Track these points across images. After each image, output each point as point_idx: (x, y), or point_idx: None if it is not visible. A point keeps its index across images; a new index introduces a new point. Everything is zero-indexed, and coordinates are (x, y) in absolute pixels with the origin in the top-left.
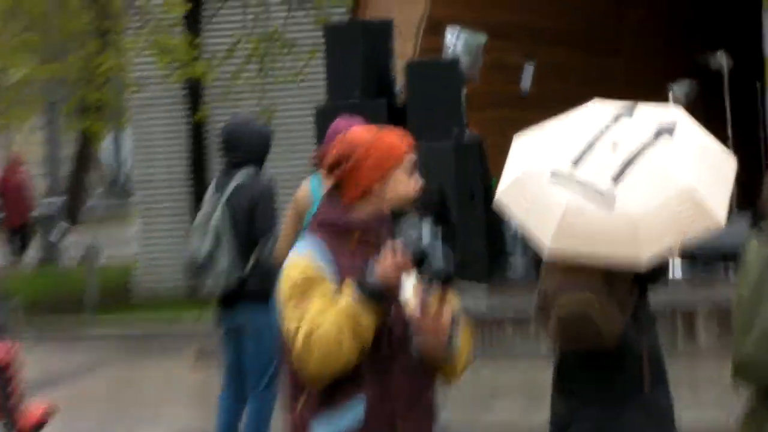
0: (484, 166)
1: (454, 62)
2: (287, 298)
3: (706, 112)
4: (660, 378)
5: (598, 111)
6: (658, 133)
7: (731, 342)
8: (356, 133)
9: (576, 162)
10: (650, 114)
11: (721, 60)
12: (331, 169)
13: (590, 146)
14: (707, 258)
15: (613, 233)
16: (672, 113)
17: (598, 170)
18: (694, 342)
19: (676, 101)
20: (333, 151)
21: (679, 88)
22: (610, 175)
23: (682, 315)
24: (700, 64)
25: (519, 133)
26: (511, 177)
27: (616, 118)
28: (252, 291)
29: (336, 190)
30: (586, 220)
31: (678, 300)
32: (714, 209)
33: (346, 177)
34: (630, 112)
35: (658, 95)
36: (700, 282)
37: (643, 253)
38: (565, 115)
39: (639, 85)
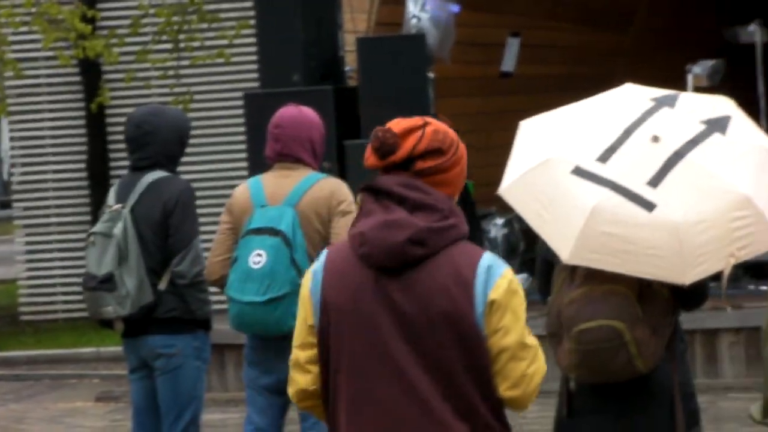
0: None
1: (418, 38)
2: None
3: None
4: (693, 421)
5: (630, 97)
6: (707, 129)
7: (762, 376)
8: (441, 123)
9: (604, 157)
10: (696, 105)
11: (755, 34)
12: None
13: (622, 139)
14: (735, 273)
15: (649, 245)
16: (722, 105)
17: (633, 168)
18: (716, 372)
19: (697, 84)
20: (424, 142)
21: (700, 70)
22: (648, 175)
23: (703, 339)
24: (728, 40)
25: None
26: (519, 170)
27: (655, 108)
28: (166, 318)
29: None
30: (614, 228)
31: (698, 321)
32: None
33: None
34: (672, 102)
35: (677, 78)
36: (724, 301)
37: (686, 270)
38: (585, 99)
39: (652, 66)
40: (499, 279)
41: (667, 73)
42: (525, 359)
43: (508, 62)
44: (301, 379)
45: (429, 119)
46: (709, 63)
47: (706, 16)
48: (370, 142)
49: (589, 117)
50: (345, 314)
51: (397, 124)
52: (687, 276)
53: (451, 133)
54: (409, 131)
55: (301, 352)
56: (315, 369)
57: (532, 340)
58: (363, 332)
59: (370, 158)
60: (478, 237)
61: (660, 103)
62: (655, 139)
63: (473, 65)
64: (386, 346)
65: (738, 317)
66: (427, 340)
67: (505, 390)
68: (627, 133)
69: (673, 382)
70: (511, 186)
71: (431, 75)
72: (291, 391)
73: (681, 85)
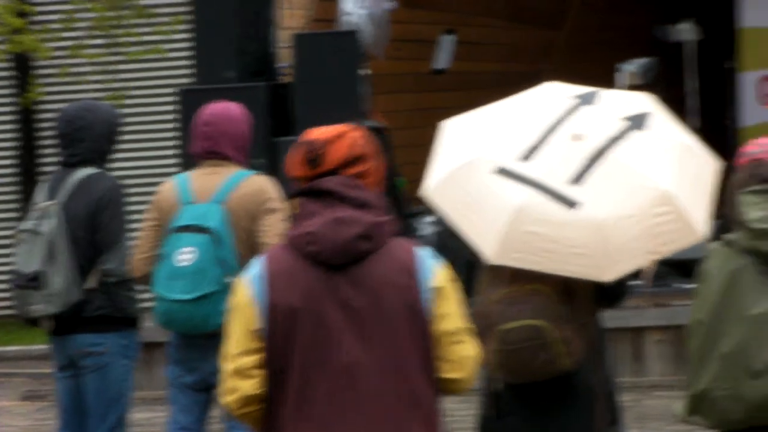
0: (390, 161)
1: (352, 35)
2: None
3: (668, 95)
4: (614, 418)
5: (552, 96)
6: (629, 126)
7: (686, 373)
8: (360, 129)
9: (527, 156)
10: (618, 102)
11: (686, 33)
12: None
13: (545, 137)
14: (659, 271)
15: (571, 244)
16: (643, 102)
17: (556, 167)
18: (642, 370)
19: (626, 83)
20: (350, 149)
21: (633, 68)
22: (570, 174)
23: (629, 338)
24: (661, 38)
25: (448, 119)
26: (443, 170)
27: (577, 106)
28: (94, 317)
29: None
30: (539, 227)
31: (625, 320)
32: (695, 219)
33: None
34: (594, 99)
35: (610, 75)
36: (649, 300)
37: (610, 267)
38: (508, 98)
39: (584, 63)
40: (437, 267)
41: (600, 71)
42: (466, 342)
43: (442, 59)
44: (245, 385)
45: (350, 126)
46: (641, 61)
47: (639, 14)
48: (294, 153)
49: (512, 116)
50: (295, 314)
51: (323, 133)
52: (610, 273)
53: (369, 137)
54: (335, 139)
55: (245, 358)
56: (259, 373)
57: (468, 324)
58: (314, 330)
59: (298, 168)
60: (409, 234)
61: (582, 100)
62: (578, 137)
63: (407, 62)
64: (337, 342)
65: (664, 315)
66: (379, 332)
67: (448, 372)
68: (549, 131)
69: (596, 380)
70: (435, 187)
71: (366, 71)
72: (232, 398)
73: (614, 83)
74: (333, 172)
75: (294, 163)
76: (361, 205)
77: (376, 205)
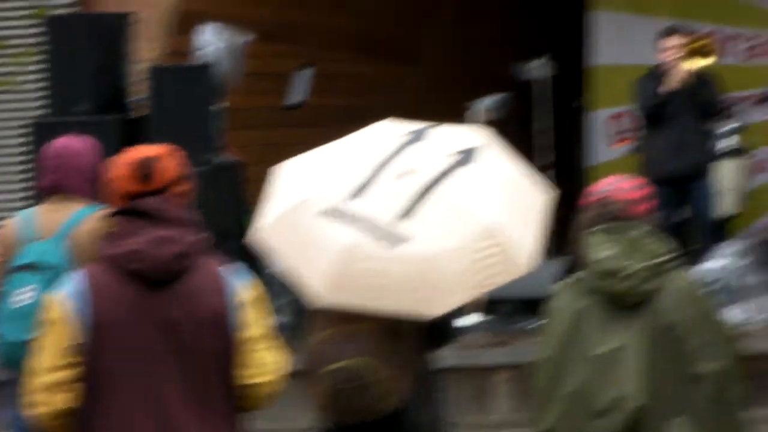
0: (244, 198)
1: (208, 68)
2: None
3: (520, 133)
4: None
5: (385, 133)
6: (458, 161)
7: (530, 412)
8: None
9: (356, 194)
10: (449, 137)
11: (539, 70)
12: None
13: (374, 175)
14: (507, 309)
15: (399, 279)
16: (475, 136)
17: (383, 204)
18: (487, 409)
19: (482, 119)
20: (178, 168)
21: (486, 104)
22: (398, 210)
23: (475, 376)
24: (514, 76)
25: (288, 159)
26: (275, 211)
27: (408, 142)
28: None
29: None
30: (367, 264)
31: (470, 358)
32: (520, 253)
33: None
34: (424, 135)
35: (464, 111)
36: (496, 338)
37: (435, 303)
38: (346, 136)
39: (440, 100)
40: (243, 283)
41: (454, 107)
42: (267, 349)
43: (298, 94)
44: (59, 399)
45: (169, 147)
46: (495, 97)
47: (493, 51)
48: (122, 168)
49: (344, 154)
50: (117, 329)
51: (152, 151)
52: (437, 308)
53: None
54: (165, 157)
55: (59, 373)
56: (74, 388)
57: (273, 336)
58: (133, 344)
59: (128, 184)
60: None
61: (415, 136)
62: (407, 173)
63: (263, 96)
64: (151, 356)
65: (510, 353)
66: (193, 345)
67: (251, 378)
68: (380, 168)
69: (425, 419)
70: (266, 229)
71: (221, 105)
72: (43, 411)
73: (467, 119)
74: (163, 188)
75: (123, 178)
76: (180, 224)
77: (193, 224)
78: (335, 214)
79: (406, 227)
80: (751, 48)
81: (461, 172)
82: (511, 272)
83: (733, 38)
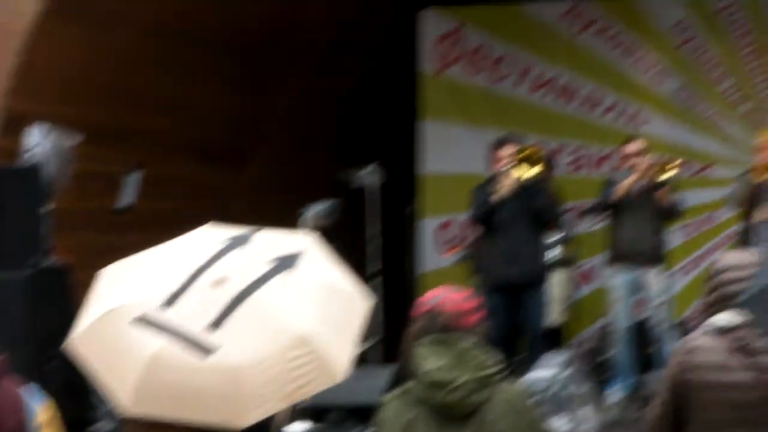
0: (69, 304)
1: (35, 170)
2: None
3: (350, 240)
4: None
5: (206, 238)
6: (277, 268)
7: None
8: None
9: (169, 302)
10: (271, 243)
11: (369, 177)
12: None
13: (189, 283)
14: (336, 417)
15: (208, 390)
16: (299, 242)
17: (195, 313)
18: None
19: (311, 225)
20: None
21: (316, 210)
22: (210, 319)
23: None
24: (344, 182)
25: (112, 264)
26: (89, 318)
27: (228, 248)
28: None
29: None
30: (175, 374)
31: None
32: (335, 362)
33: None
34: (245, 241)
35: (294, 217)
36: None
37: (246, 412)
38: (169, 241)
39: (272, 205)
40: (40, 403)
41: (284, 212)
42: None
43: (128, 197)
44: None
45: None
46: (325, 204)
47: (324, 157)
48: None
49: (163, 260)
50: None
51: None
52: (244, 419)
53: None
54: None
55: None
56: None
57: None
58: None
59: None
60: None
61: (234, 242)
62: (221, 281)
63: (91, 198)
64: None
65: None
66: None
67: None
68: (195, 275)
69: None
70: (78, 338)
71: (49, 207)
72: None
73: (297, 224)
74: None
75: None
76: None
77: None
78: (146, 322)
79: (216, 336)
80: (576, 160)
81: (278, 279)
82: (324, 381)
83: (557, 150)
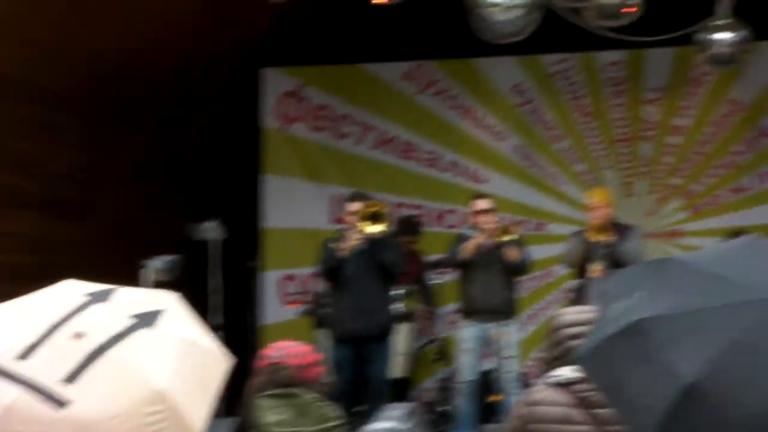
0: None
1: None
2: None
3: (193, 294)
4: None
5: (65, 293)
6: (136, 324)
7: None
8: None
9: (25, 354)
10: (132, 300)
11: (211, 231)
12: None
13: (46, 336)
14: None
15: None
16: (160, 300)
17: (52, 365)
18: None
19: (152, 280)
20: None
21: (158, 264)
22: (66, 372)
23: None
24: (187, 236)
25: None
26: None
27: (88, 303)
28: None
29: None
30: (30, 425)
31: None
32: (192, 418)
33: None
34: (106, 297)
35: (136, 271)
36: None
37: None
38: (26, 295)
39: (110, 258)
40: None
41: (126, 267)
42: None
43: None
44: None
45: None
46: (167, 258)
47: (166, 210)
48: None
49: (19, 314)
50: None
51: None
52: None
53: None
54: None
55: None
56: None
57: None
58: None
59: None
60: None
61: (94, 298)
62: (78, 335)
63: None
64: None
65: None
66: None
67: None
68: (53, 329)
69: None
70: None
71: None
72: None
73: (139, 279)
74: None
75: None
76: None
77: None
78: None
79: (72, 389)
80: (417, 216)
81: (137, 335)
82: None
83: (398, 206)
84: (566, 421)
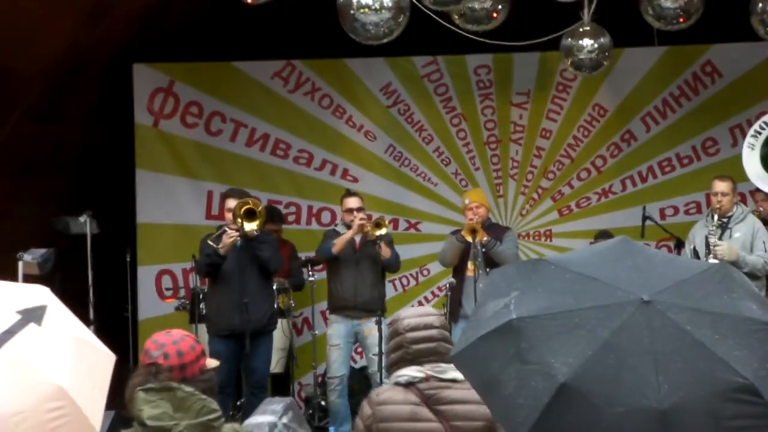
0: None
1: None
2: None
3: (68, 288)
4: None
5: None
6: (23, 320)
7: None
8: None
9: None
10: (10, 294)
11: (86, 225)
12: None
13: None
14: None
15: None
16: (38, 295)
17: None
18: None
19: (24, 273)
20: None
21: (31, 258)
22: None
23: None
24: (59, 230)
25: None
26: None
27: None
28: None
29: None
30: None
31: None
32: (91, 413)
33: None
34: None
35: (7, 266)
36: None
37: None
38: None
39: None
40: None
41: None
42: None
43: None
44: None
45: None
46: (40, 251)
47: (39, 203)
48: None
49: None
50: None
51: None
52: None
53: None
54: None
55: None
56: None
57: None
58: None
59: None
60: None
61: None
62: None
63: None
64: None
65: None
66: None
67: None
68: None
69: None
70: None
71: None
72: None
73: (11, 273)
74: None
75: None
76: None
77: None
78: None
79: None
80: (290, 214)
81: (27, 331)
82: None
83: (271, 203)
84: (413, 418)
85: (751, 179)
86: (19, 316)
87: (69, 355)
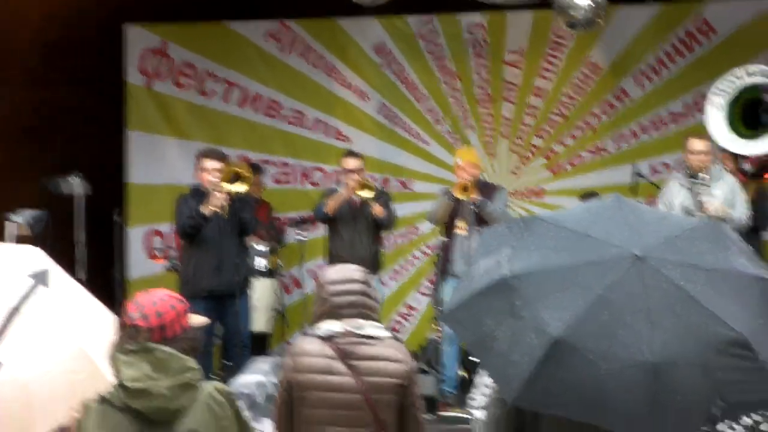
0: None
1: None
2: None
3: (57, 248)
4: None
5: None
6: (35, 284)
7: None
8: None
9: None
10: (13, 258)
11: (75, 186)
12: None
13: None
14: None
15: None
16: (36, 257)
17: None
18: None
19: (16, 234)
20: None
21: (22, 219)
22: None
23: None
24: (49, 190)
25: None
26: None
27: None
28: None
29: None
30: None
31: None
32: (107, 372)
33: None
34: None
35: None
36: None
37: (38, 425)
38: None
39: None
40: None
41: None
42: None
43: None
44: None
45: None
46: (30, 212)
47: (27, 164)
48: None
49: None
50: None
51: None
52: (39, 429)
53: None
54: None
55: None
56: None
57: None
58: None
59: None
60: None
61: None
62: None
63: None
64: None
65: None
66: None
67: None
68: None
69: None
70: None
71: None
72: None
73: (1, 234)
74: None
75: None
76: None
77: None
78: None
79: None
80: (282, 174)
81: (40, 294)
82: (100, 385)
83: (264, 162)
84: (328, 371)
85: (721, 143)
86: (32, 281)
87: (81, 316)
